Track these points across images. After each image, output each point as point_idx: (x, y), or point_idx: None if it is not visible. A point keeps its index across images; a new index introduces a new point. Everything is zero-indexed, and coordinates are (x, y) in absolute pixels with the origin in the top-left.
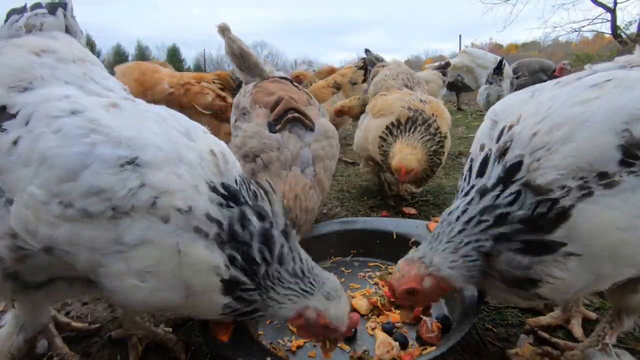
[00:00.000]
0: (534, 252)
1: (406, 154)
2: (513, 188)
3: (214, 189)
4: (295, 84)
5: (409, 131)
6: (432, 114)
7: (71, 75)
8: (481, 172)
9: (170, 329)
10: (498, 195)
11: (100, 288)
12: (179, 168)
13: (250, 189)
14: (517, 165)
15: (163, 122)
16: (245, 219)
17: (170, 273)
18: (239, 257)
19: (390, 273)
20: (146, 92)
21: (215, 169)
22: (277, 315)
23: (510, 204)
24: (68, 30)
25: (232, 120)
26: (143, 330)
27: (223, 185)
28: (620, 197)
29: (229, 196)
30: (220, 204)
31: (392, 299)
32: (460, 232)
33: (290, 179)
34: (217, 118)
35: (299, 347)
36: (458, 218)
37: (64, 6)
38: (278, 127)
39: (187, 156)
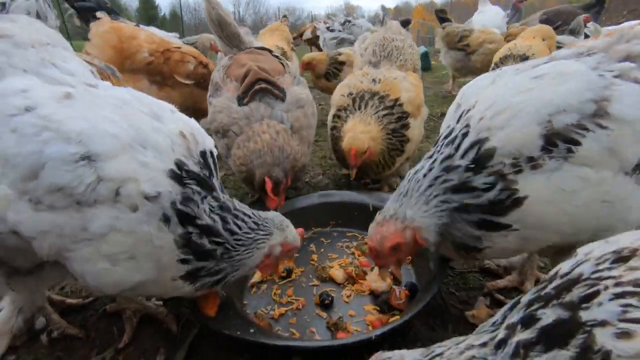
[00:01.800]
0: (487, 228)
1: (358, 132)
2: (484, 172)
3: (175, 176)
4: (276, 53)
5: (361, 108)
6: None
7: (29, 62)
8: (449, 143)
9: (161, 302)
10: (462, 159)
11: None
12: (142, 154)
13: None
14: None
15: (125, 105)
16: (189, 217)
17: (144, 258)
18: (195, 253)
19: (366, 244)
20: (124, 61)
21: (186, 152)
22: (248, 266)
23: (473, 172)
24: (38, 14)
25: (207, 96)
26: (136, 304)
27: (178, 166)
28: (543, 176)
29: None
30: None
31: (376, 260)
32: (428, 187)
33: (267, 122)
34: (200, 87)
35: (280, 315)
36: (425, 175)
37: None
38: (246, 99)
39: (154, 139)
